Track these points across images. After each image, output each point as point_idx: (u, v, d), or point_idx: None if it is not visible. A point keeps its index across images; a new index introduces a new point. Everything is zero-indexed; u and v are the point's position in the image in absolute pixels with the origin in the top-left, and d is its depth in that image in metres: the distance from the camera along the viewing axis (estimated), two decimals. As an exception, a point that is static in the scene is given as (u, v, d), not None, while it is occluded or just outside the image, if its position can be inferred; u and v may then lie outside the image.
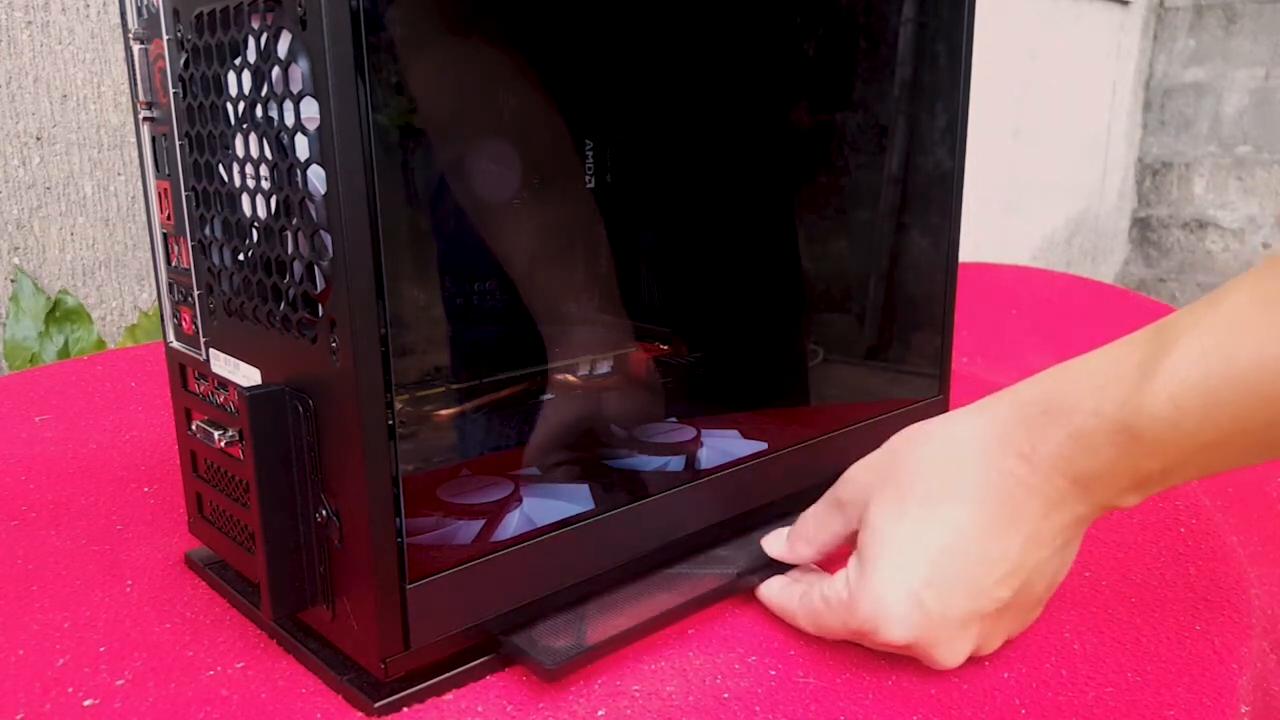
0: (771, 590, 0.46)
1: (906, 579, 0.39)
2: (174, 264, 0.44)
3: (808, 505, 0.54)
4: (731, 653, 0.43)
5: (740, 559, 0.49)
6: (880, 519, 0.41)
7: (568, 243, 0.58)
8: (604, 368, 0.57)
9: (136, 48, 0.42)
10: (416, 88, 0.42)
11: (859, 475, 0.44)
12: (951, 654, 0.40)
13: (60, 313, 1.05)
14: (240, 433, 0.39)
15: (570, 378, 0.56)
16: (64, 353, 1.05)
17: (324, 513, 0.37)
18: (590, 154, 0.61)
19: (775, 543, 0.47)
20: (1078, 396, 0.38)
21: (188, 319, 0.44)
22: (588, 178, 0.61)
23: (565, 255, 0.57)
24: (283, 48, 0.34)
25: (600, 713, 0.38)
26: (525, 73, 0.54)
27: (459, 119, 0.50)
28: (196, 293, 0.43)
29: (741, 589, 0.46)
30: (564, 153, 0.57)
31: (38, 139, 1.03)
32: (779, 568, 0.47)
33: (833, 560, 0.45)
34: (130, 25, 0.42)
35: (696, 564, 0.49)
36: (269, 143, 0.36)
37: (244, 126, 0.37)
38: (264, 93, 0.35)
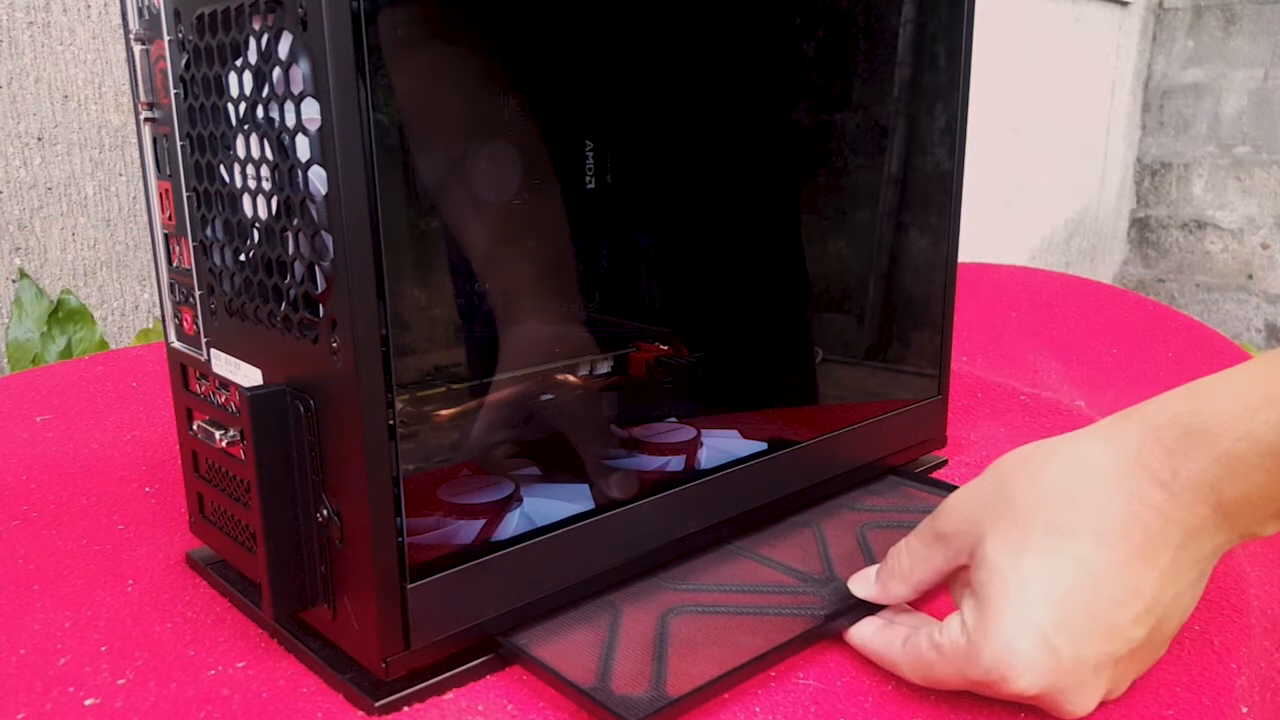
0: (864, 635, 0.42)
1: (1035, 622, 0.35)
2: (175, 264, 0.44)
3: (808, 504, 0.54)
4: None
5: (822, 592, 0.45)
6: (999, 555, 0.37)
7: (528, 240, 0.57)
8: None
9: (138, 48, 0.42)
10: (415, 87, 0.42)
11: (963, 506, 0.40)
12: (1083, 701, 0.36)
13: (63, 313, 1.05)
14: (241, 433, 0.40)
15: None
16: (67, 353, 1.05)
17: (325, 512, 0.37)
18: (590, 154, 0.61)
19: (864, 582, 0.44)
20: (1224, 418, 0.35)
21: (189, 319, 0.44)
22: (588, 178, 0.61)
23: (524, 252, 0.56)
24: (284, 49, 0.34)
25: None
26: (521, 74, 0.54)
27: (454, 119, 0.51)
28: (198, 293, 0.43)
29: (831, 633, 0.43)
30: (543, 152, 0.57)
31: (39, 139, 1.03)
32: (868, 608, 0.43)
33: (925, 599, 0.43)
34: (131, 26, 0.42)
35: (759, 572, 0.47)
36: (270, 143, 0.36)
37: (245, 127, 0.37)
38: (265, 94, 0.35)
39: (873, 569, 0.44)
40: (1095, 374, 0.84)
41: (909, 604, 0.43)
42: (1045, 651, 0.35)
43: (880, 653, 0.41)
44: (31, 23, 1.01)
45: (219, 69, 0.38)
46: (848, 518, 0.54)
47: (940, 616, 0.40)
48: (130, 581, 0.48)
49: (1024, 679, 0.35)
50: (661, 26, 0.60)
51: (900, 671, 0.40)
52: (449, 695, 0.39)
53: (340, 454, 0.36)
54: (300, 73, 0.33)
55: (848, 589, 0.44)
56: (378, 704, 0.38)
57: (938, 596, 0.44)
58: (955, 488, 0.58)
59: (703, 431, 0.57)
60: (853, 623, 0.42)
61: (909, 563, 0.42)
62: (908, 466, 0.61)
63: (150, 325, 1.15)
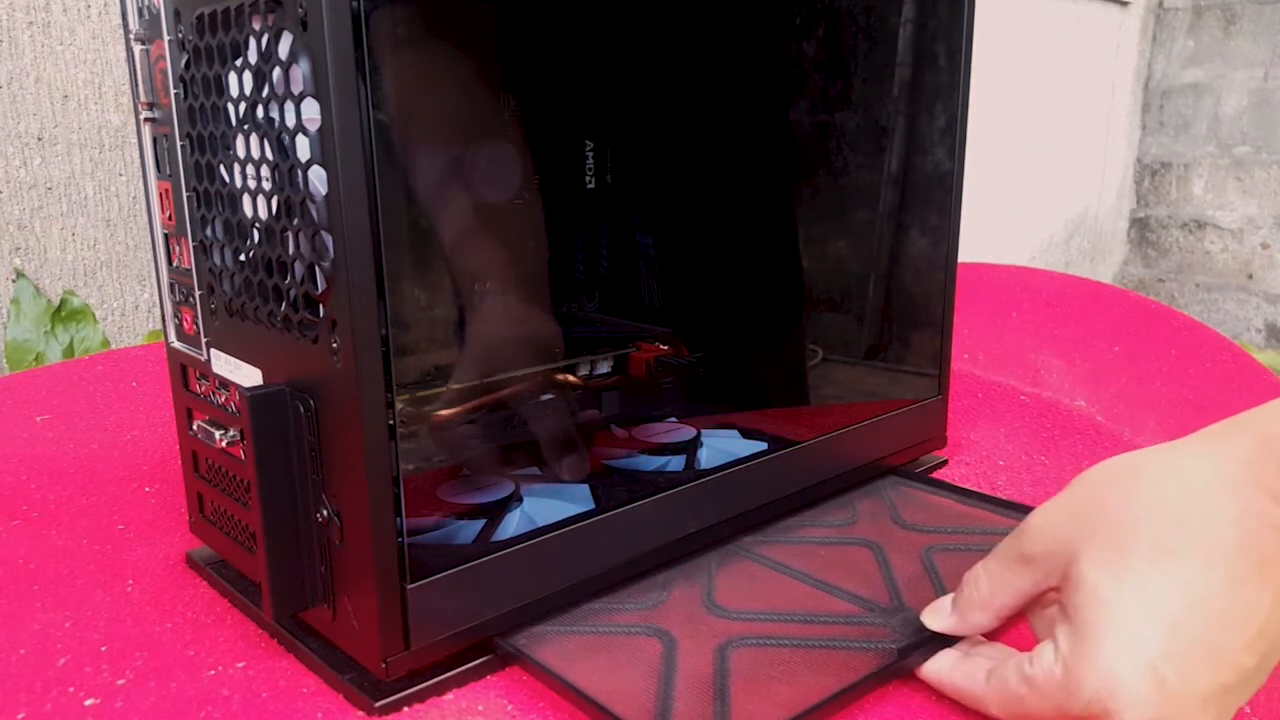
0: (941, 669, 0.39)
1: (1142, 650, 0.33)
2: (175, 264, 0.44)
3: (807, 504, 0.54)
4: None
5: (891, 622, 0.42)
6: (1098, 577, 0.34)
7: (522, 239, 0.56)
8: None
9: (138, 49, 0.42)
10: (415, 87, 0.42)
11: (1050, 524, 0.37)
12: None
13: (66, 312, 1.05)
14: (241, 433, 0.40)
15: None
16: (69, 352, 1.05)
17: (325, 513, 0.37)
18: (590, 154, 0.61)
19: (939, 614, 0.40)
20: None
21: (189, 319, 0.44)
22: (588, 178, 0.61)
23: (518, 251, 0.56)
24: (284, 49, 0.34)
25: None
26: (522, 74, 0.54)
27: (452, 119, 0.50)
28: (198, 293, 0.43)
29: (906, 669, 0.40)
30: (544, 153, 0.56)
31: (39, 139, 1.03)
32: (942, 640, 0.40)
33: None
34: (131, 26, 0.42)
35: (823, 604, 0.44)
36: (270, 143, 0.36)
37: (245, 127, 0.37)
38: (265, 94, 0.35)
39: (946, 599, 0.41)
40: (1096, 374, 0.84)
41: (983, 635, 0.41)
42: (1153, 682, 0.32)
43: (962, 688, 0.38)
44: (31, 23, 1.01)
45: (219, 69, 0.38)
46: (910, 539, 0.51)
47: (1022, 648, 0.38)
48: (130, 581, 0.48)
49: (1129, 713, 0.32)
50: (662, 26, 0.60)
51: (986, 708, 0.37)
52: (449, 695, 0.39)
53: (340, 454, 0.36)
54: (300, 73, 0.33)
55: (918, 620, 0.41)
56: (378, 704, 0.38)
57: (1014, 627, 0.41)
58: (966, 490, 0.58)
59: (702, 431, 0.58)
60: (927, 657, 0.40)
61: (989, 588, 0.38)
62: (908, 467, 0.61)
63: (160, 326, 1.15)
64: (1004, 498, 0.57)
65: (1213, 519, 0.34)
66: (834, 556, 0.49)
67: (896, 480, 0.59)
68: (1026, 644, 0.37)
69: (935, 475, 0.62)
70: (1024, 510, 0.53)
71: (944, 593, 0.42)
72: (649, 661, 0.40)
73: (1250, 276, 2.85)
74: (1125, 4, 2.77)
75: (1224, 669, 0.33)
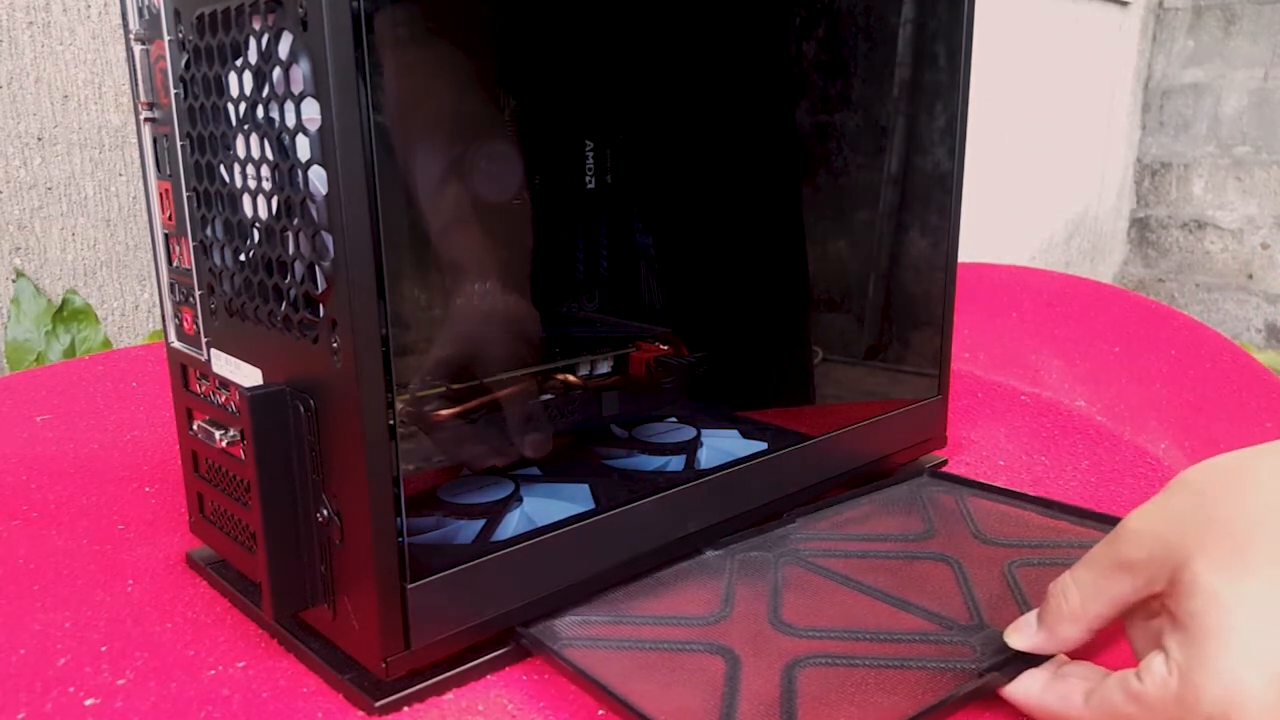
0: (1030, 690, 0.36)
1: (1271, 657, 0.31)
2: (175, 264, 0.44)
3: (806, 504, 0.54)
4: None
5: (971, 641, 0.40)
6: (1216, 581, 0.32)
7: (522, 239, 0.56)
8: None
9: (138, 48, 0.42)
10: (413, 86, 0.42)
11: (1152, 528, 0.35)
12: None
13: (68, 312, 1.05)
14: (241, 433, 0.40)
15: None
16: (70, 352, 1.05)
17: (325, 512, 0.37)
18: (590, 154, 0.61)
19: (1024, 631, 0.38)
20: None
21: (189, 319, 0.44)
22: (588, 177, 0.61)
23: (517, 251, 0.56)
24: (284, 49, 0.34)
25: None
26: (523, 74, 0.54)
27: (453, 119, 0.50)
28: (198, 293, 0.43)
29: (988, 692, 0.37)
30: (544, 152, 0.56)
31: (39, 140, 1.03)
32: (1027, 660, 0.38)
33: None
34: (131, 26, 0.42)
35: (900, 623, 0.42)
36: (270, 143, 0.36)
37: (245, 127, 0.37)
38: (265, 94, 0.35)
39: (1030, 615, 0.38)
40: (1096, 374, 0.84)
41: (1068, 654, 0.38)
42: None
43: (1058, 710, 0.35)
44: (31, 22, 1.01)
45: (219, 69, 0.38)
46: (990, 553, 0.49)
47: (1113, 669, 0.35)
48: (130, 581, 0.48)
49: None
50: (662, 26, 0.60)
51: None
52: (449, 695, 0.39)
53: (340, 454, 0.36)
54: (300, 73, 0.33)
55: (1000, 638, 0.39)
56: (378, 704, 0.38)
57: (1099, 652, 0.39)
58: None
59: (702, 431, 0.58)
60: (1011, 678, 0.37)
61: (1080, 599, 0.36)
62: (908, 466, 0.61)
63: (161, 326, 1.15)
64: (1086, 507, 0.53)
65: None
66: (908, 571, 0.47)
67: (964, 488, 0.56)
68: (1115, 666, 0.36)
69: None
70: (1110, 521, 0.50)
71: (1029, 610, 0.39)
72: (711, 681, 0.38)
73: (1250, 276, 2.85)
74: (1125, 4, 2.77)
75: None
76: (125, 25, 0.43)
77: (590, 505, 0.46)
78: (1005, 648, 0.38)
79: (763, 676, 0.38)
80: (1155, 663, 0.33)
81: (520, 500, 0.48)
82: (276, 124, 0.35)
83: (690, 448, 0.56)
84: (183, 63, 0.40)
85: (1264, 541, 0.32)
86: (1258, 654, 0.31)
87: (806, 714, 0.36)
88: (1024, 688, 0.37)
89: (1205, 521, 0.33)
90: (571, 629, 0.42)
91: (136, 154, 1.06)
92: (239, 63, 0.36)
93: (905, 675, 0.38)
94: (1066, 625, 0.36)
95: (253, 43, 0.35)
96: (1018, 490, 0.56)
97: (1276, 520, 0.32)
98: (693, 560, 0.48)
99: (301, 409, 0.37)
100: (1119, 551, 0.35)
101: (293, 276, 0.36)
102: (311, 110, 0.33)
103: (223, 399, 0.43)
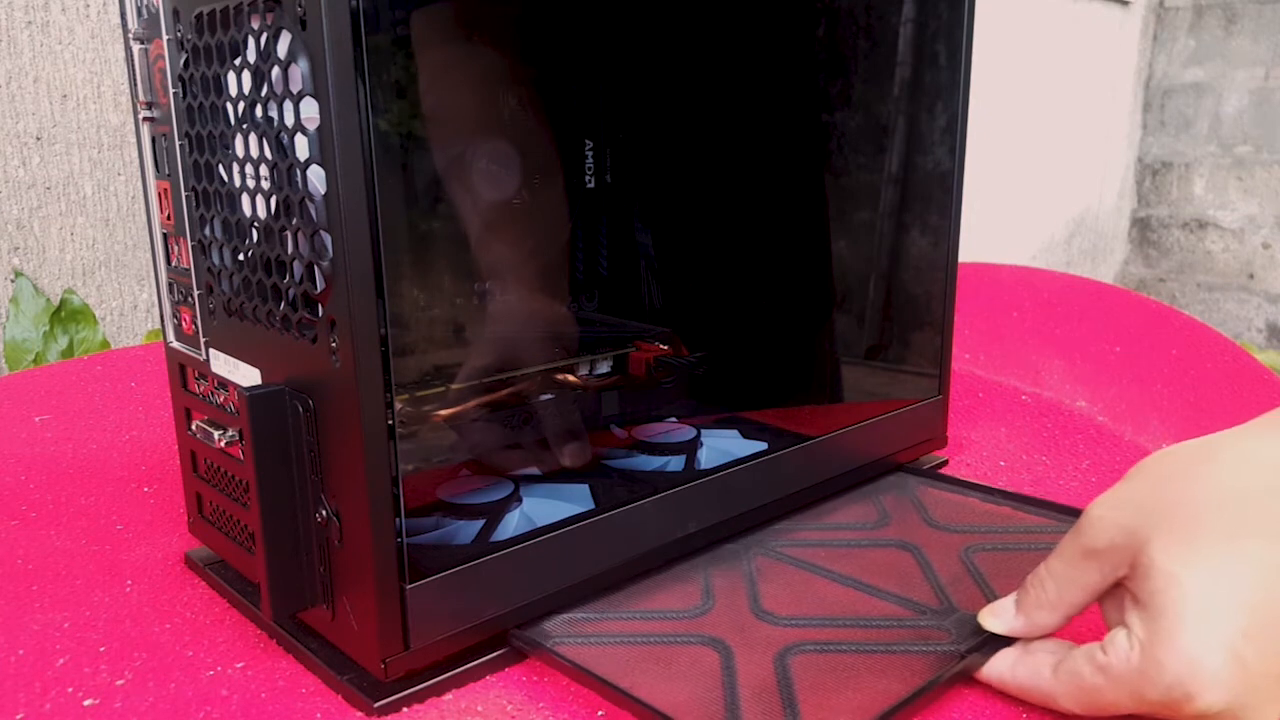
0: (1002, 668, 0.38)
1: (1222, 631, 0.32)
2: (174, 264, 0.44)
3: (807, 503, 0.54)
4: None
5: (945, 624, 0.42)
6: (1171, 562, 0.34)
7: (526, 237, 0.57)
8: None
9: (136, 48, 0.42)
10: (413, 86, 0.42)
11: (1114, 516, 0.36)
12: (1266, 719, 0.33)
13: (66, 312, 1.05)
14: (240, 433, 0.39)
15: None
16: (68, 352, 1.05)
17: (324, 513, 0.37)
18: (590, 154, 0.61)
19: (1001, 616, 0.40)
20: None
21: (188, 319, 0.44)
22: (588, 177, 0.61)
23: (523, 249, 0.56)
24: (283, 48, 0.34)
25: None
26: (523, 73, 0.54)
27: (454, 117, 0.50)
28: (196, 293, 0.43)
29: (970, 670, 0.39)
30: (544, 151, 0.56)
31: (38, 139, 1.03)
32: (1000, 640, 0.39)
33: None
34: (130, 25, 0.42)
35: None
36: (269, 143, 0.36)
37: (244, 126, 0.37)
38: (264, 93, 0.35)
39: (1006, 600, 0.40)
40: (1097, 374, 0.84)
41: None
42: (1234, 664, 0.32)
43: (1029, 685, 0.37)
44: (30, 22, 1.01)
45: (218, 68, 0.37)
46: (946, 540, 0.50)
47: (1076, 642, 0.38)
48: (129, 581, 0.48)
49: (1211, 694, 0.32)
50: (663, 26, 0.60)
51: (1056, 703, 0.36)
52: (449, 696, 0.39)
53: (339, 454, 0.36)
54: (299, 72, 0.33)
55: (973, 621, 0.40)
56: (377, 705, 0.38)
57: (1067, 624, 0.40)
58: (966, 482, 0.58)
59: (702, 431, 0.57)
60: (989, 657, 0.39)
61: (1056, 588, 0.38)
62: (910, 466, 0.61)
63: (159, 326, 1.15)
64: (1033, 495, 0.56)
65: None
66: (872, 559, 0.49)
67: (914, 479, 0.59)
68: (1079, 639, 0.37)
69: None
70: (1051, 507, 0.53)
71: (990, 593, 0.41)
72: (709, 672, 0.39)
73: (1251, 276, 2.85)
74: (1126, 3, 2.77)
75: None
76: (124, 24, 0.43)
77: (590, 505, 0.46)
78: (979, 630, 0.40)
79: (756, 665, 0.40)
80: (1119, 637, 0.35)
81: (520, 500, 0.48)
82: (275, 123, 0.35)
83: (690, 448, 0.55)
84: (181, 62, 0.40)
85: (1217, 523, 0.34)
86: (1211, 630, 0.33)
87: (806, 700, 0.37)
88: (997, 667, 0.39)
89: (1161, 507, 0.35)
90: (560, 627, 0.42)
91: (135, 153, 1.06)
92: (238, 62, 0.36)
93: (891, 659, 0.40)
94: (1045, 613, 0.38)
95: (251, 42, 0.35)
96: (963, 479, 0.59)
97: (1229, 503, 0.34)
98: None
99: (300, 409, 0.37)
100: (1083, 541, 0.37)
101: (291, 276, 0.36)
102: (310, 109, 0.33)
103: (221, 399, 0.43)
